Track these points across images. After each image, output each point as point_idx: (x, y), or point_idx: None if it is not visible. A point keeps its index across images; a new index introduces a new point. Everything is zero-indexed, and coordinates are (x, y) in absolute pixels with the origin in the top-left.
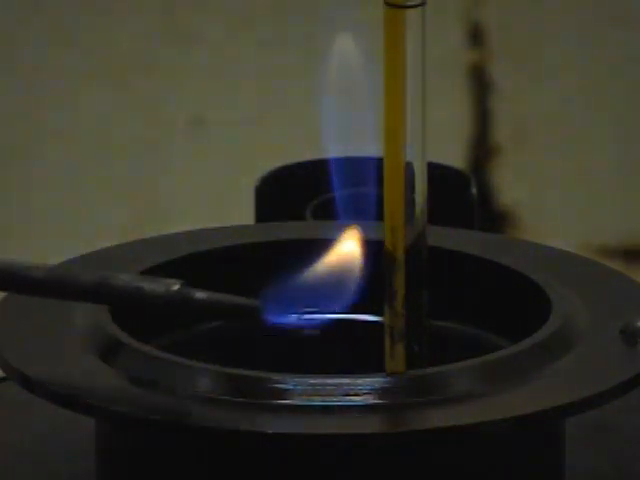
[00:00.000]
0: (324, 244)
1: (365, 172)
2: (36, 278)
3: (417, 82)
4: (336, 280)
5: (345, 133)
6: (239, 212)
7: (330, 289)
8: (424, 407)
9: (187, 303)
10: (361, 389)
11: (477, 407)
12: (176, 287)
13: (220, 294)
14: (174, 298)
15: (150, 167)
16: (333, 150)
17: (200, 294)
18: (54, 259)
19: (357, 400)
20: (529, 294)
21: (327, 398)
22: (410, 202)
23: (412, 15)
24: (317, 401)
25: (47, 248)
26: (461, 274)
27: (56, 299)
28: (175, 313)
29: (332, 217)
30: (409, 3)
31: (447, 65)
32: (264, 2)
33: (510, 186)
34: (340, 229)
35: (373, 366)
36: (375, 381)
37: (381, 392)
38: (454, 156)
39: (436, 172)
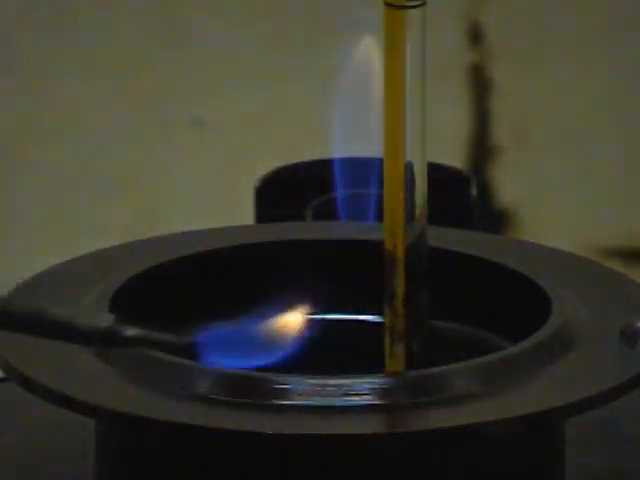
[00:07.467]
0: (324, 244)
1: (365, 173)
2: None
3: (417, 82)
4: (272, 338)
5: (347, 133)
6: (239, 212)
7: (264, 343)
8: (424, 407)
9: (118, 339)
10: (361, 389)
11: (477, 407)
12: (106, 324)
13: (150, 331)
14: (105, 334)
15: (150, 167)
16: (337, 150)
17: (130, 331)
18: (54, 259)
19: (357, 400)
20: (529, 294)
21: (327, 398)
22: (410, 202)
23: (412, 15)
24: (317, 401)
25: (47, 248)
26: (461, 274)
27: None
28: (107, 347)
29: (332, 217)
30: (409, 3)
31: (447, 65)
32: (264, 2)
33: (510, 186)
34: (340, 229)
35: (373, 366)
36: (375, 381)
37: (381, 392)
38: (454, 156)
39: (436, 172)
